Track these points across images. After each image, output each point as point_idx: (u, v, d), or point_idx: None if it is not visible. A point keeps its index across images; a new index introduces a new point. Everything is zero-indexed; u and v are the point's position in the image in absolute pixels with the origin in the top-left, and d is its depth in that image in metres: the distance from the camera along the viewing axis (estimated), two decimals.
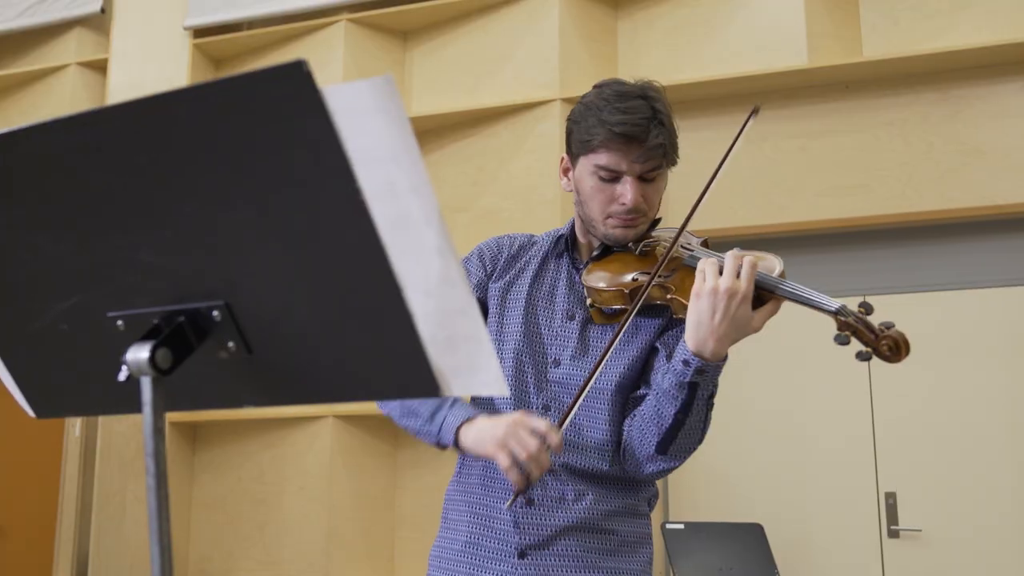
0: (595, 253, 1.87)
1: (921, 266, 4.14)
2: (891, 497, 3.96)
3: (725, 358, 1.66)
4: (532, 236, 2.02)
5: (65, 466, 4.74)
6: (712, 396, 1.69)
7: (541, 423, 1.61)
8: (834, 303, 1.59)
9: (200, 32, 4.96)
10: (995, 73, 4.00)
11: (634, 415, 1.77)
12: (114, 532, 4.51)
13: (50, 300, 0.88)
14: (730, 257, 1.60)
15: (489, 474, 1.82)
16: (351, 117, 0.69)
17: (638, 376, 1.81)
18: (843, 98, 4.18)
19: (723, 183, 4.40)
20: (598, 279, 1.80)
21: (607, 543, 1.79)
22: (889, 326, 1.56)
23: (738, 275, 1.59)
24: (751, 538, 3.76)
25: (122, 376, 0.82)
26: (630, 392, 1.81)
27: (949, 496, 3.92)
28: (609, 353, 1.68)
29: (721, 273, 1.59)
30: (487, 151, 4.38)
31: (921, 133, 4.06)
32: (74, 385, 0.93)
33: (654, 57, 4.45)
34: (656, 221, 1.89)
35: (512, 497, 1.67)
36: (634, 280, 1.76)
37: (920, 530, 3.91)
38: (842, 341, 1.58)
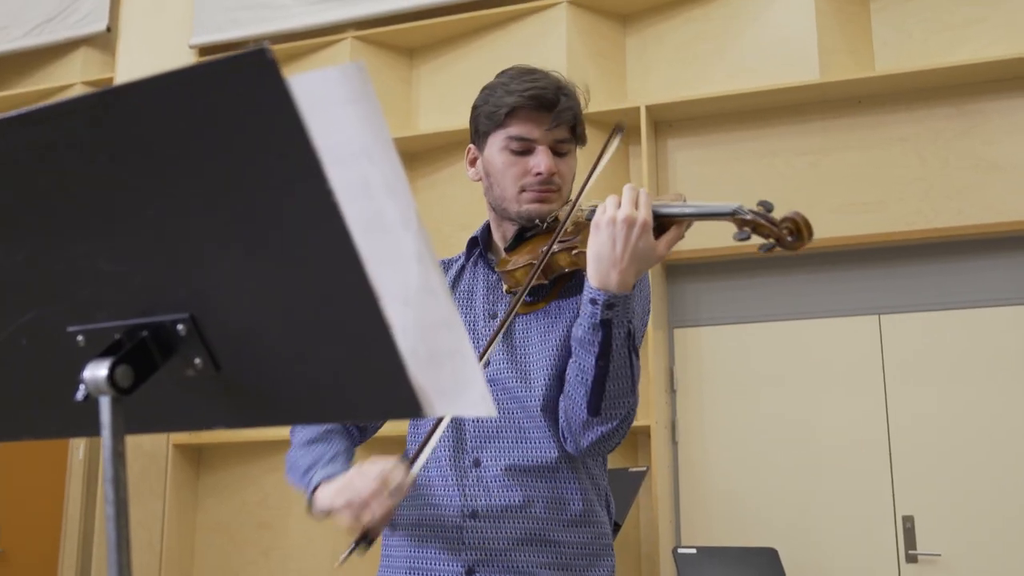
0: (508, 244, 1.81)
1: (938, 284, 4.07)
2: (909, 521, 3.88)
3: (634, 289, 1.61)
4: (444, 260, 1.97)
5: (69, 489, 4.69)
6: (631, 337, 1.61)
7: (379, 465, 1.54)
8: (731, 205, 1.56)
9: (206, 50, 4.94)
10: (1011, 87, 3.94)
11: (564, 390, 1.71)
12: None
13: (6, 315, 0.81)
14: (627, 188, 1.57)
15: (427, 482, 1.74)
16: (320, 109, 0.62)
17: (564, 362, 1.73)
18: (855, 113, 4.12)
19: (733, 198, 4.33)
20: (510, 263, 1.76)
21: (562, 555, 1.70)
22: (790, 216, 1.54)
23: (636, 205, 1.55)
24: (765, 563, 3.68)
25: (79, 395, 0.76)
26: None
27: (969, 519, 3.83)
28: (513, 312, 1.65)
29: (619, 204, 1.55)
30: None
31: (936, 149, 3.99)
32: (34, 406, 0.87)
33: (663, 73, 4.40)
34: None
35: (348, 551, 1.54)
36: (543, 251, 1.71)
37: (939, 555, 3.82)
38: (742, 237, 1.55)
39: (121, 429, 0.75)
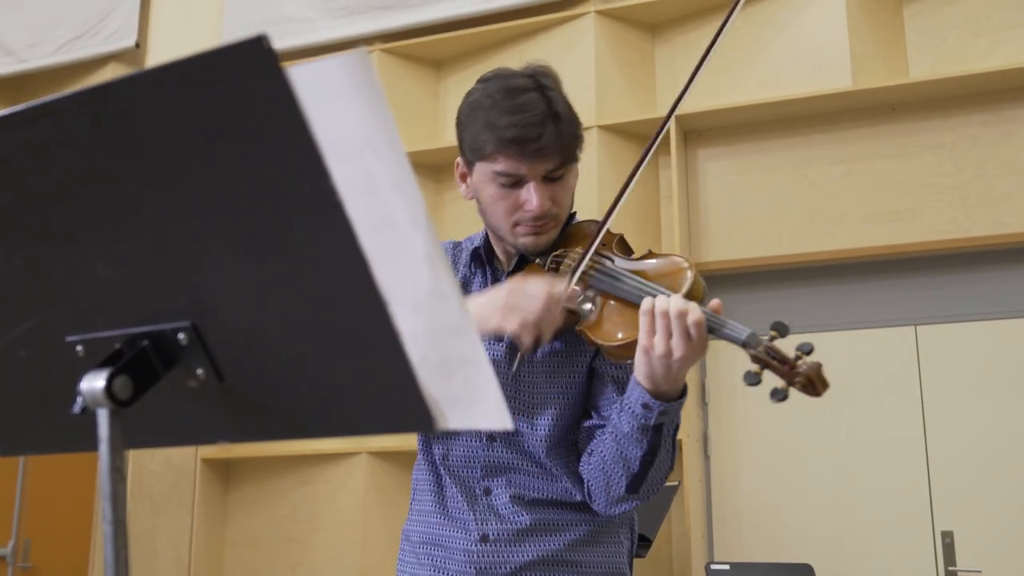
0: (512, 266, 1.71)
1: (975, 294, 3.98)
2: (948, 536, 3.79)
3: (685, 390, 1.53)
4: (457, 243, 1.84)
5: (98, 504, 4.68)
6: (677, 428, 1.56)
7: (537, 283, 1.49)
8: (742, 332, 1.45)
9: None
10: None
11: (590, 452, 1.63)
12: (145, 572, 4.43)
13: (3, 323, 0.78)
14: (677, 319, 1.41)
15: (439, 505, 1.71)
16: (322, 101, 0.58)
17: (579, 410, 1.68)
18: (889, 121, 4.05)
19: (765, 209, 4.28)
20: None
21: None
22: (807, 351, 1.42)
23: (689, 335, 1.42)
24: None
25: (77, 408, 0.72)
26: (577, 423, 1.69)
27: (1010, 534, 3.73)
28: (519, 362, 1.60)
29: (670, 333, 1.42)
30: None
31: (972, 156, 3.91)
32: (34, 419, 0.83)
33: (694, 83, 4.34)
34: (571, 217, 1.73)
35: (516, 361, 1.57)
36: None
37: (980, 572, 3.72)
38: (752, 382, 1.45)
39: (120, 443, 0.71)
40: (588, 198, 4.03)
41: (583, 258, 1.58)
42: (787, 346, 1.43)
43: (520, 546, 1.64)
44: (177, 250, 0.69)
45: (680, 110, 4.24)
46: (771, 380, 1.43)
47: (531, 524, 1.65)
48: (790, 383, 1.41)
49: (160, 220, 0.68)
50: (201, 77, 0.61)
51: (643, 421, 1.49)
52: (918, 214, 3.93)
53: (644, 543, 3.47)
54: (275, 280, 0.67)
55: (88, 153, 0.67)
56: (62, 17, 5.33)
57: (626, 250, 1.68)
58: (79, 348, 0.77)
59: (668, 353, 1.42)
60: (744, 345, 1.44)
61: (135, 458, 4.52)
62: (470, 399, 0.65)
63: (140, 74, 0.62)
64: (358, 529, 4.32)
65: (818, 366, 1.40)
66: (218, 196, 0.65)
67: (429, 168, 4.57)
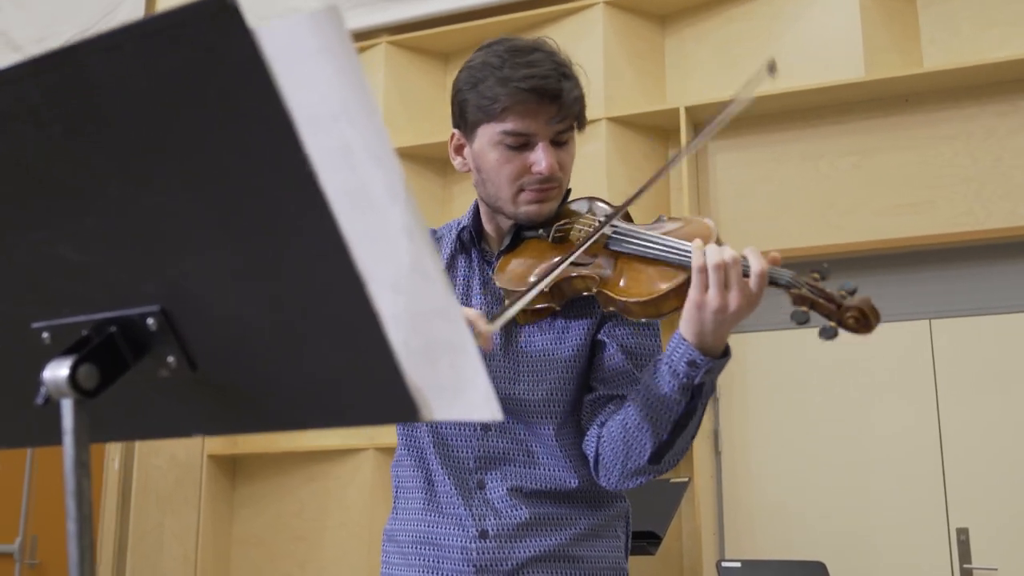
0: (505, 244, 1.64)
1: (990, 287, 3.92)
2: (963, 533, 3.73)
3: (728, 351, 1.46)
4: (434, 230, 1.78)
5: (104, 500, 4.65)
6: (712, 393, 1.50)
7: (467, 311, 1.41)
8: (784, 274, 1.38)
9: None
10: None
11: (603, 423, 1.58)
12: (151, 569, 4.40)
13: None
14: (734, 268, 1.36)
15: (430, 503, 1.65)
16: (292, 63, 0.54)
17: (582, 383, 1.62)
18: (903, 112, 3.99)
19: (775, 202, 4.23)
20: (512, 278, 1.58)
21: (579, 571, 1.60)
22: (852, 291, 1.35)
23: (748, 286, 1.37)
24: None
25: (39, 399, 0.68)
26: (580, 399, 1.63)
27: None
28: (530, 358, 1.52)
29: (727, 286, 1.36)
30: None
31: (988, 147, 3.85)
32: (1, 411, 0.79)
33: (703, 73, 4.29)
34: (567, 194, 1.67)
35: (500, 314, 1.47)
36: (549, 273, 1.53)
37: (996, 569, 3.66)
38: (801, 320, 1.37)
39: (85, 436, 0.67)
40: (597, 189, 3.98)
41: (604, 223, 1.52)
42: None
43: (521, 541, 1.59)
44: (144, 229, 0.64)
45: (690, 102, 4.19)
46: (817, 320, 1.38)
47: (530, 518, 1.59)
48: (840, 321, 1.35)
49: (124, 197, 0.64)
50: (162, 38, 0.56)
51: (686, 380, 1.43)
52: (933, 206, 3.87)
53: (654, 540, 3.42)
54: (247, 261, 0.63)
55: (45, 126, 0.62)
56: (68, 13, 5.29)
57: (631, 221, 1.63)
58: (45, 335, 0.72)
59: (724, 307, 1.36)
60: (788, 286, 1.37)
61: (140, 455, 4.48)
62: (457, 388, 0.61)
63: (97, 37, 0.58)
64: (366, 527, 4.29)
65: (868, 299, 1.34)
66: (184, 170, 0.61)
67: (436, 161, 4.53)
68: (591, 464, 1.59)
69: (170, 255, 0.65)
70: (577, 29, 4.35)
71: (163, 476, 4.52)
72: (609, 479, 1.57)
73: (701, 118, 4.22)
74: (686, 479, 3.74)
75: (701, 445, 3.89)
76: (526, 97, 1.51)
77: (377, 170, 0.55)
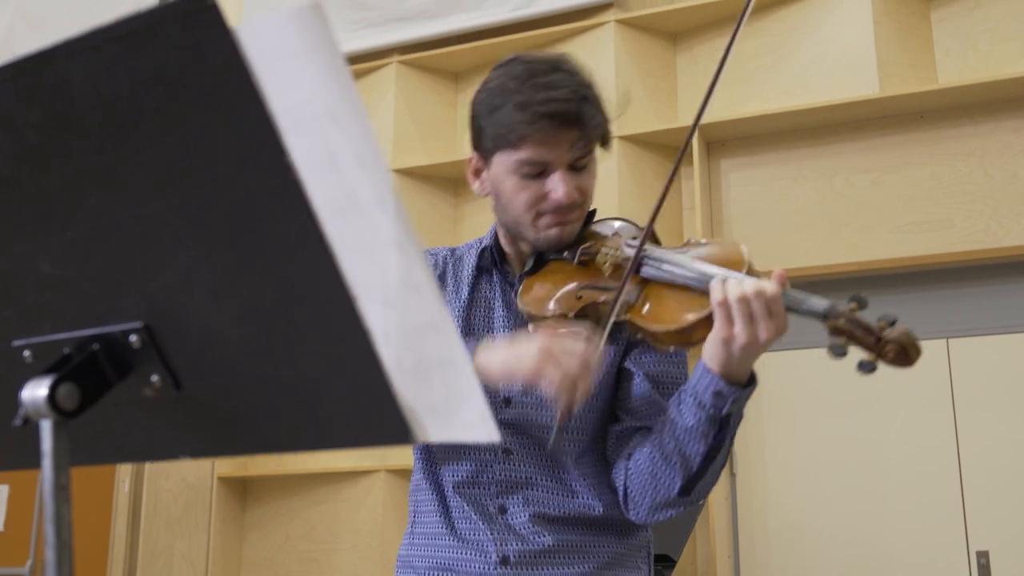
0: (528, 266, 1.58)
1: (1008, 305, 3.87)
2: (983, 556, 3.67)
3: (755, 378, 1.40)
4: (453, 249, 1.73)
5: (115, 523, 4.62)
6: (740, 422, 1.44)
7: (570, 339, 1.34)
8: (822, 305, 1.32)
9: None
10: None
11: (630, 455, 1.52)
12: None
13: None
14: (757, 301, 1.29)
15: (448, 528, 1.59)
16: (274, 64, 0.51)
17: (607, 414, 1.57)
18: (918, 128, 3.95)
19: (790, 220, 4.18)
20: (536, 302, 1.52)
21: None
22: (891, 322, 1.29)
23: (772, 315, 1.30)
24: None
25: (17, 419, 0.65)
26: (603, 427, 1.58)
27: None
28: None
29: (753, 319, 1.30)
30: None
31: (1004, 163, 3.80)
32: None
33: (716, 92, 4.25)
34: (592, 214, 1.61)
35: (554, 434, 1.44)
36: (579, 298, 1.49)
37: None
38: (838, 354, 1.31)
39: (65, 458, 0.64)
40: (608, 208, 3.94)
41: (639, 251, 1.45)
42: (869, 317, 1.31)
43: (543, 569, 1.53)
44: (123, 241, 0.62)
45: (702, 120, 4.16)
46: (856, 353, 1.32)
47: (554, 544, 1.53)
48: (879, 354, 1.29)
49: (103, 207, 0.61)
50: (141, 38, 0.53)
51: (712, 411, 1.38)
52: (949, 224, 3.83)
53: (668, 564, 3.38)
54: (230, 275, 0.60)
55: (22, 133, 0.60)
56: (80, 20, 5.30)
57: (657, 243, 1.57)
58: (26, 353, 0.69)
59: (754, 340, 1.30)
60: (825, 317, 1.31)
61: (150, 477, 4.46)
62: (451, 408, 0.57)
63: (75, 39, 0.55)
64: (376, 548, 4.24)
65: (908, 332, 1.28)
66: (163, 178, 0.58)
67: (447, 181, 4.51)
68: (620, 498, 1.54)
69: (151, 268, 0.62)
70: (589, 48, 4.33)
71: (173, 499, 4.49)
72: (639, 513, 1.52)
73: (714, 136, 4.19)
74: (701, 502, 3.69)
75: None
76: (544, 125, 1.44)
77: (364, 175, 0.52)
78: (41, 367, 0.68)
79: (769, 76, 4.15)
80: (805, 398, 4.01)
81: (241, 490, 4.66)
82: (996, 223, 3.77)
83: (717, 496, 3.81)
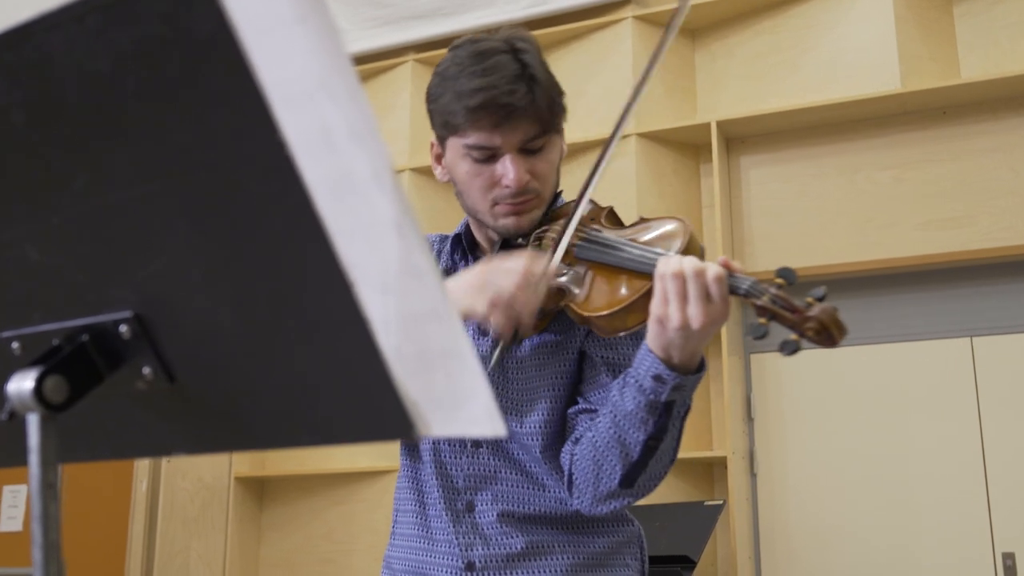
0: (495, 253, 1.54)
1: None
2: (1009, 558, 3.61)
3: (703, 365, 1.33)
4: (427, 236, 1.71)
5: (132, 523, 4.62)
6: (687, 412, 1.37)
7: (513, 259, 1.33)
8: (744, 281, 1.25)
9: None
10: None
11: (577, 439, 1.46)
12: None
13: None
14: (693, 280, 1.22)
15: (423, 527, 1.54)
16: (264, 35, 0.48)
17: (569, 398, 1.52)
18: (941, 124, 3.89)
19: (811, 218, 4.13)
20: None
21: None
22: (819, 298, 1.21)
23: (709, 298, 1.23)
24: None
25: (3, 414, 0.62)
26: (566, 410, 1.52)
27: None
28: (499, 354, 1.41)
29: (686, 299, 1.23)
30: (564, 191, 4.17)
31: None
32: None
33: (735, 87, 4.22)
34: (556, 196, 1.58)
35: (494, 352, 1.39)
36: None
37: None
38: (758, 335, 1.23)
39: (53, 455, 0.61)
40: (627, 207, 3.91)
41: (566, 226, 1.42)
42: (798, 294, 1.24)
43: (512, 574, 1.47)
44: (112, 226, 0.59)
45: (721, 116, 4.12)
46: (780, 333, 1.24)
47: (525, 547, 1.48)
48: (801, 333, 1.21)
49: (89, 190, 0.58)
50: (122, 9, 0.50)
51: (652, 396, 1.30)
52: (973, 220, 3.77)
53: (688, 565, 3.34)
54: (220, 261, 0.57)
55: (6, 112, 0.57)
56: None
57: (617, 222, 1.53)
58: (15, 345, 0.67)
59: (686, 323, 1.23)
60: (746, 295, 1.24)
61: (167, 476, 4.46)
62: (455, 401, 0.54)
63: (58, 10, 0.52)
64: None
65: (832, 309, 1.21)
66: (150, 159, 0.55)
67: None
68: (565, 483, 1.48)
69: (140, 255, 0.59)
70: (606, 44, 4.29)
71: (190, 499, 4.49)
72: (582, 502, 1.46)
73: (733, 132, 4.15)
74: (721, 502, 3.64)
75: (736, 467, 3.80)
76: (483, 113, 1.42)
77: (361, 152, 0.49)
78: (29, 359, 0.65)
79: (789, 72, 4.10)
80: (826, 396, 3.96)
81: (258, 490, 4.65)
82: (1021, 219, 3.71)
83: (738, 496, 3.77)
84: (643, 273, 1.33)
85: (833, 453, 3.91)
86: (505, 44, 1.47)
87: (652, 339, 1.29)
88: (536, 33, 4.32)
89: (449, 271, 1.60)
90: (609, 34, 4.30)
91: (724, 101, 4.23)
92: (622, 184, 4.02)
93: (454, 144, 1.49)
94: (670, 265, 1.24)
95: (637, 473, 1.37)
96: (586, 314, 1.37)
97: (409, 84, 4.57)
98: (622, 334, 1.38)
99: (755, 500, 4.00)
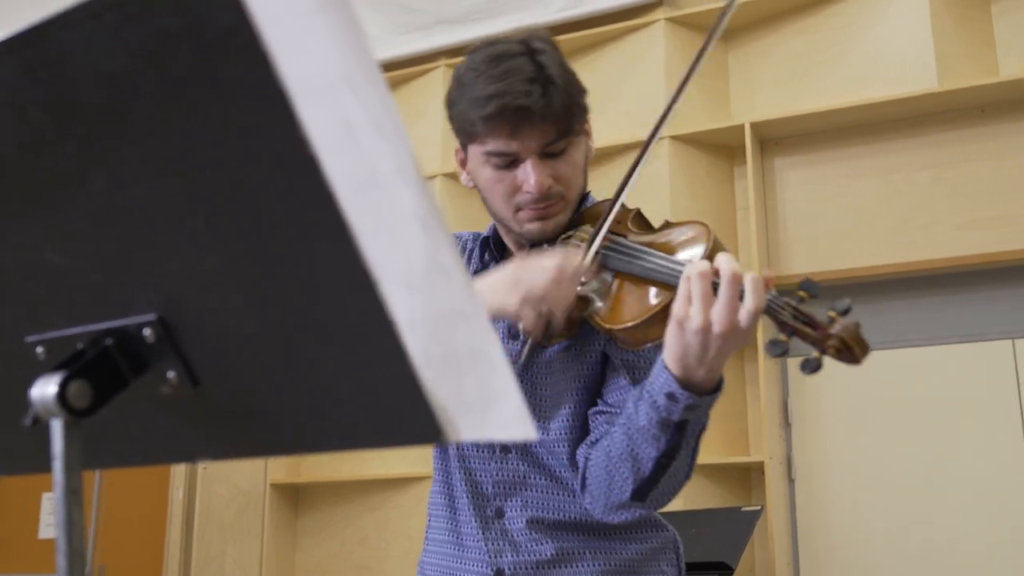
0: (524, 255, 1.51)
1: None
2: None
3: (720, 385, 1.27)
4: (458, 233, 1.69)
5: (169, 529, 4.64)
6: (703, 430, 1.32)
7: (547, 256, 1.31)
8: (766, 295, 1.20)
9: None
10: None
11: (593, 443, 1.42)
12: None
13: None
14: (727, 286, 1.18)
15: (454, 533, 1.52)
16: (285, 27, 0.46)
17: (591, 401, 1.49)
18: (980, 123, 3.84)
19: (848, 219, 4.08)
20: None
21: None
22: (843, 311, 1.17)
23: (740, 298, 1.18)
24: None
25: (27, 420, 0.61)
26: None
27: None
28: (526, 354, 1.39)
29: (711, 299, 1.18)
30: (595, 193, 4.15)
31: None
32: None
33: (769, 89, 4.18)
34: (584, 198, 1.55)
35: (523, 350, 1.37)
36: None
37: None
38: (777, 353, 1.18)
39: (77, 461, 0.60)
40: (661, 210, 3.87)
41: (597, 232, 1.39)
42: (820, 308, 1.20)
43: None
44: (131, 226, 0.57)
45: (755, 117, 4.08)
46: (802, 349, 1.20)
47: (554, 554, 1.45)
48: (823, 350, 1.18)
49: (109, 189, 0.57)
50: (143, 5, 0.49)
51: (664, 415, 1.25)
52: (1014, 220, 3.71)
53: (726, 571, 3.30)
54: (243, 262, 0.55)
55: (24, 111, 0.56)
56: None
57: (644, 225, 1.49)
58: (39, 349, 0.66)
59: (707, 326, 1.18)
60: (767, 311, 1.20)
61: (203, 483, 4.48)
62: (486, 404, 0.52)
63: (76, 7, 0.51)
64: None
65: (854, 326, 1.17)
66: (169, 156, 0.54)
67: None
68: (578, 484, 1.44)
69: (161, 256, 0.58)
70: (638, 47, 4.27)
71: (226, 505, 4.50)
72: (595, 508, 1.43)
73: (767, 134, 4.11)
74: (759, 507, 3.60)
75: (774, 472, 3.75)
76: (499, 120, 1.39)
77: (384, 145, 0.47)
78: (53, 363, 0.64)
79: (825, 72, 4.06)
80: (866, 401, 3.90)
81: (293, 496, 4.66)
82: None
83: (776, 502, 3.72)
84: (668, 284, 1.29)
85: (872, 458, 3.85)
86: (522, 46, 1.43)
87: (669, 348, 1.24)
88: (568, 37, 4.32)
89: (479, 272, 1.58)
90: (642, 36, 4.28)
91: (758, 103, 4.19)
92: (656, 187, 3.99)
93: (475, 151, 1.47)
94: (697, 266, 1.21)
95: (649, 488, 1.34)
96: (608, 326, 1.34)
97: (440, 90, 4.52)
98: (648, 346, 1.34)
99: (793, 506, 3.95)
